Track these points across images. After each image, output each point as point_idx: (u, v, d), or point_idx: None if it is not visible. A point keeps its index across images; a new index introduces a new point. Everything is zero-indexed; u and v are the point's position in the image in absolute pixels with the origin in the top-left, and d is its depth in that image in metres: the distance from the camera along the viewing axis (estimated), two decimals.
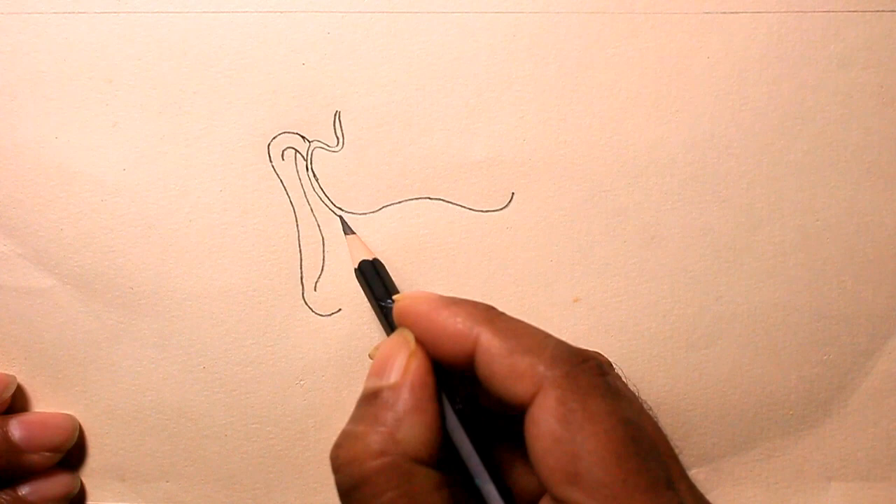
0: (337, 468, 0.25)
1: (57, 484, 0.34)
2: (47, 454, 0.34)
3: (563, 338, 0.35)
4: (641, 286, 0.35)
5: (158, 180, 0.35)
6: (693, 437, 0.35)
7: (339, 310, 0.35)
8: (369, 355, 0.33)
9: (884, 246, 0.35)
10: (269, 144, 0.35)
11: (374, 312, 0.33)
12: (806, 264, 0.35)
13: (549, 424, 0.24)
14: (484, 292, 0.35)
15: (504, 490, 0.25)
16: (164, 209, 0.35)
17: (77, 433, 0.35)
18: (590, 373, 0.25)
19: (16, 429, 0.34)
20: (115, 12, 0.35)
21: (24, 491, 0.34)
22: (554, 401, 0.24)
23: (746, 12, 0.34)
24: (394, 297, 0.30)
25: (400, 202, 0.35)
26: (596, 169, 0.35)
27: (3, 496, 0.34)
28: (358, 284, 0.34)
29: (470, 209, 0.35)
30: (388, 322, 0.30)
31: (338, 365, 0.35)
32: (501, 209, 0.35)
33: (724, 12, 0.35)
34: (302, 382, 0.35)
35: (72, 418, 0.35)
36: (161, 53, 0.35)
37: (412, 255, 0.35)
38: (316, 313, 0.35)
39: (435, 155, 0.35)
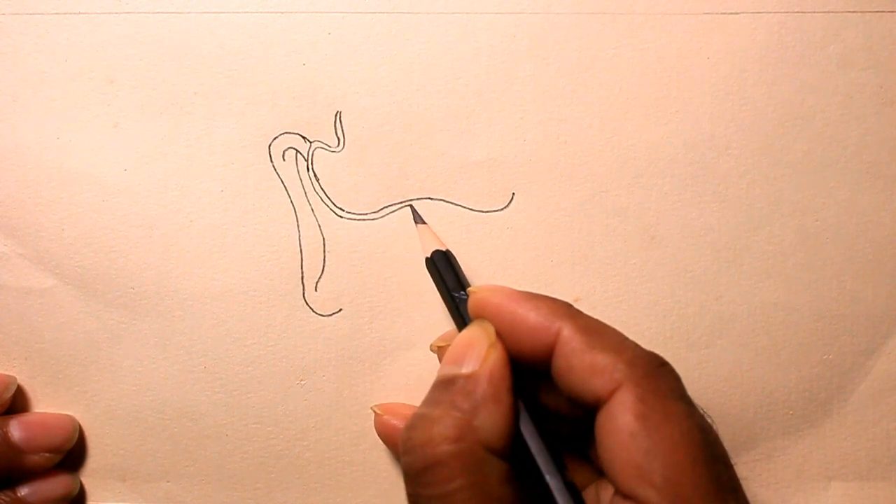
0: (409, 449, 0.25)
1: (56, 485, 0.34)
2: (47, 455, 0.34)
3: None
4: (641, 286, 0.35)
5: (159, 181, 0.35)
6: None
7: (340, 310, 0.35)
8: (431, 347, 0.33)
9: (883, 246, 0.35)
10: (269, 145, 0.35)
11: (444, 305, 0.33)
12: (805, 264, 0.35)
13: (626, 420, 0.24)
14: None
15: (572, 488, 0.26)
16: (165, 209, 0.35)
17: (77, 434, 0.35)
18: (669, 376, 0.26)
19: (16, 429, 0.34)
20: (116, 13, 0.35)
21: (23, 492, 0.34)
22: (633, 398, 0.24)
23: (746, 13, 0.35)
24: (469, 288, 0.30)
25: (401, 202, 0.35)
26: (596, 169, 0.35)
27: (3, 497, 0.34)
28: (357, 283, 0.34)
29: (471, 209, 0.35)
30: (460, 314, 0.30)
31: (338, 365, 0.35)
32: (502, 209, 0.35)
33: (724, 13, 0.35)
34: (302, 382, 0.35)
35: (72, 419, 0.35)
36: (162, 54, 0.35)
37: (413, 255, 0.35)
38: (317, 313, 0.35)
39: (436, 155, 0.35)
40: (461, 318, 0.30)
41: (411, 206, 0.35)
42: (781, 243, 0.35)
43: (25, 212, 0.35)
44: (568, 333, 0.26)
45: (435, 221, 0.35)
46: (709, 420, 0.29)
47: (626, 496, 0.24)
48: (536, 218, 0.35)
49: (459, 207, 0.35)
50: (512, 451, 0.26)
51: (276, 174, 0.35)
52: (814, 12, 0.35)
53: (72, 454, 0.35)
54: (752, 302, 0.35)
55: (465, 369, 0.26)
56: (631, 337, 0.36)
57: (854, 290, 0.35)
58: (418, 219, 0.34)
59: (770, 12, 0.35)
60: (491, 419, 0.25)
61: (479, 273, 0.35)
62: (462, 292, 0.31)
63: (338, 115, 0.35)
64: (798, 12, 0.35)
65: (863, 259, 0.35)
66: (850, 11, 0.35)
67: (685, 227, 0.35)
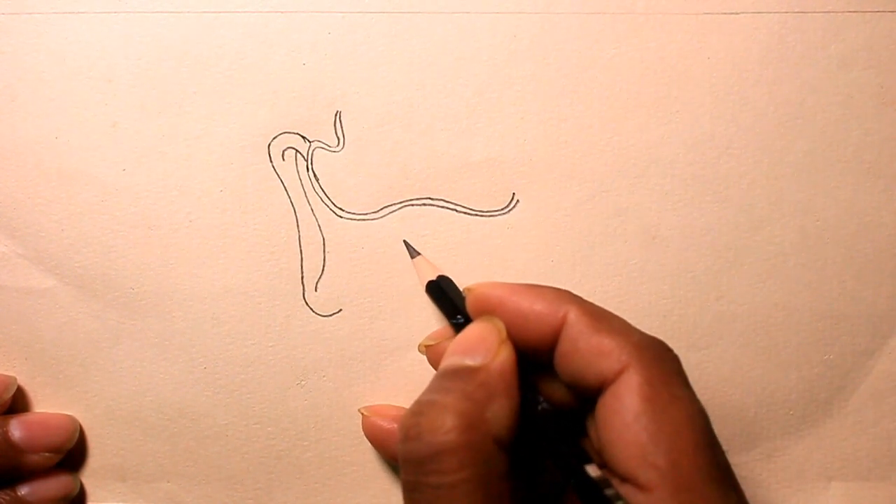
0: (414, 436, 0.24)
1: (56, 485, 0.34)
2: (47, 455, 0.34)
3: None
4: (642, 286, 0.35)
5: (158, 180, 0.35)
6: None
7: (340, 310, 0.35)
8: (419, 347, 0.33)
9: (884, 246, 0.35)
10: (269, 144, 0.35)
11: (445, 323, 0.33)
12: (806, 264, 0.35)
13: (632, 402, 0.24)
14: None
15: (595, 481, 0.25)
16: (164, 209, 0.35)
17: (77, 434, 0.35)
18: (674, 362, 0.26)
19: (16, 429, 0.34)
20: (114, 12, 0.35)
21: (23, 491, 0.34)
22: (640, 380, 0.25)
23: (747, 13, 0.35)
24: (466, 287, 0.29)
25: (401, 202, 0.35)
26: (597, 169, 0.35)
27: (3, 497, 0.34)
28: (357, 283, 0.34)
29: (471, 209, 0.35)
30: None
31: (338, 365, 0.35)
32: (502, 209, 0.35)
33: (725, 13, 0.35)
34: (302, 383, 0.35)
35: (72, 419, 0.35)
36: (161, 53, 0.35)
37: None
38: (316, 314, 0.35)
39: (436, 155, 0.35)
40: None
41: (405, 242, 0.35)
42: (782, 243, 0.35)
43: (25, 212, 0.35)
44: (574, 317, 0.26)
45: (435, 222, 0.35)
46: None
47: (624, 479, 0.24)
48: (537, 218, 0.35)
49: (460, 208, 0.35)
50: (513, 447, 0.26)
51: (276, 174, 0.35)
52: (814, 12, 0.35)
53: (72, 454, 0.35)
54: (752, 302, 0.35)
55: (476, 361, 0.26)
56: None
57: (855, 291, 0.35)
58: (413, 253, 0.34)
59: (770, 12, 0.35)
60: (503, 412, 0.25)
61: (478, 274, 0.35)
62: (460, 317, 0.31)
63: (338, 114, 0.35)
64: (798, 12, 0.35)
65: (863, 259, 0.35)
66: (850, 11, 0.34)
67: (686, 228, 0.35)
